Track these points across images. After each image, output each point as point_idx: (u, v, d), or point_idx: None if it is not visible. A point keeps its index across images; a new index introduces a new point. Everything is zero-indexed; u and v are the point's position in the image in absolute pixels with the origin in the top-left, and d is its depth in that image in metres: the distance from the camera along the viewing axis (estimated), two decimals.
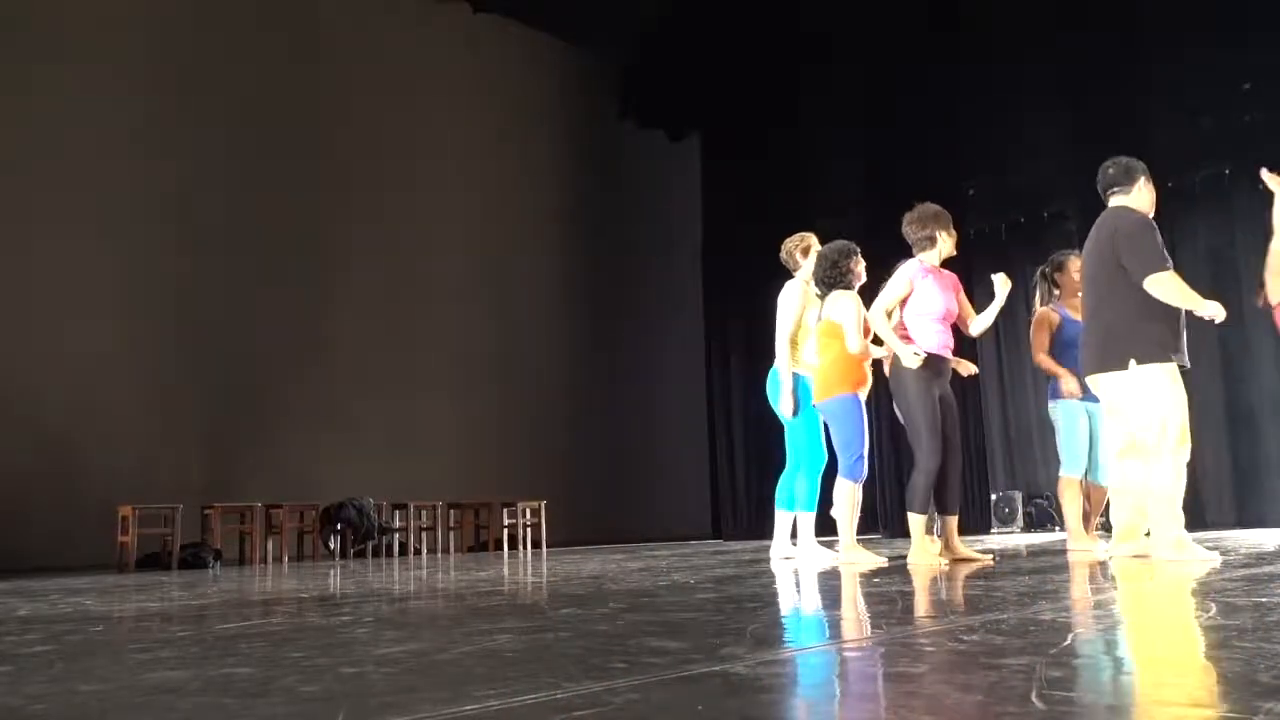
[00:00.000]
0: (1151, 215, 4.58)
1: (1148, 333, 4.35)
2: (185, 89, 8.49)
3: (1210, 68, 8.06)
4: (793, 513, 5.39)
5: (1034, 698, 1.47)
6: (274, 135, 8.99)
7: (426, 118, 10.15)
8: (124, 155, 8.10)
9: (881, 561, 4.71)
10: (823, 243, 5.42)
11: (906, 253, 5.66)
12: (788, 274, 5.65)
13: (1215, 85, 8.18)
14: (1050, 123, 8.90)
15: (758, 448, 10.70)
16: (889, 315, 4.85)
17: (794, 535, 5.42)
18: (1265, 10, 7.66)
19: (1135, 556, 4.63)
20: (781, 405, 5.27)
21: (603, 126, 11.56)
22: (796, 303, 5.36)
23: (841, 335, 4.92)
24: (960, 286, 5.03)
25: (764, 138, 10.67)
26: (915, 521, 4.75)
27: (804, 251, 5.56)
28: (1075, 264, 5.63)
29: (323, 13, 9.47)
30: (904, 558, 4.95)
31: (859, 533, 5.29)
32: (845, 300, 4.97)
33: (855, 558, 4.78)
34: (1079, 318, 5.52)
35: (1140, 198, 4.63)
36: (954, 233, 4.98)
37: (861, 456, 4.86)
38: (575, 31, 11.20)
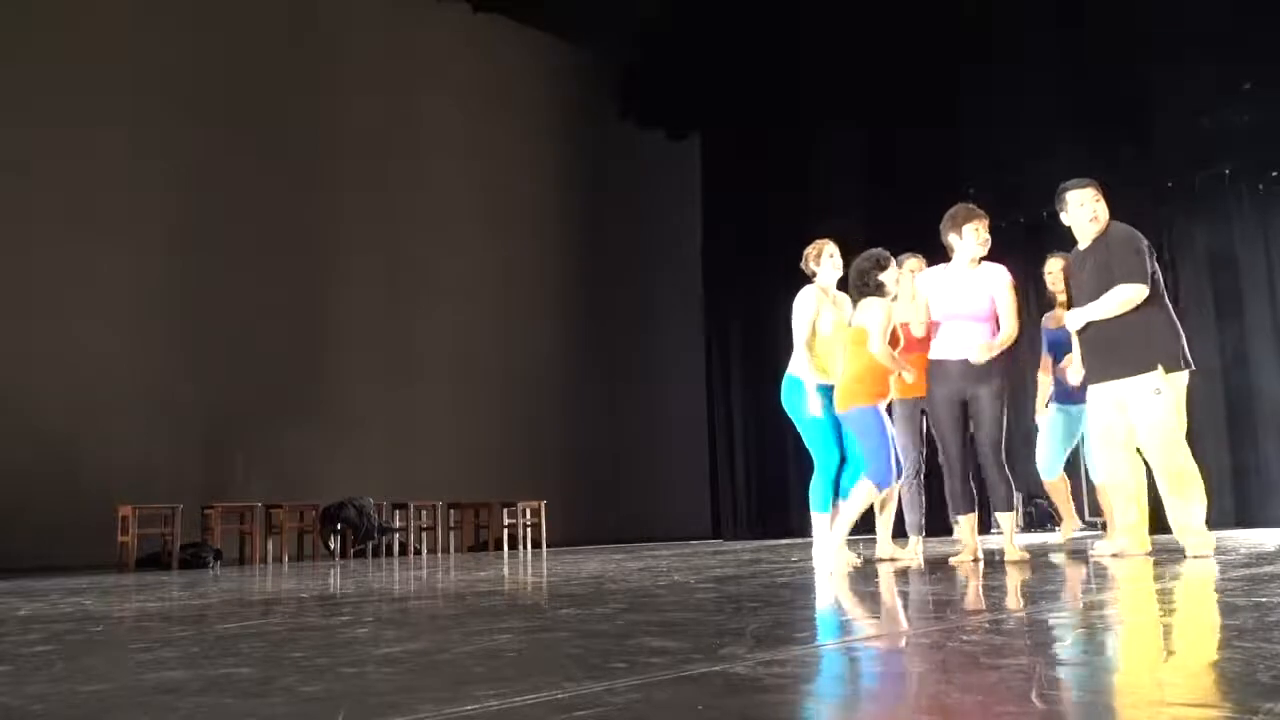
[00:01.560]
0: (1079, 240, 4.92)
1: None
2: (184, 89, 8.48)
3: (1210, 68, 8.05)
4: (825, 514, 5.37)
5: (1034, 698, 1.47)
6: (273, 135, 8.98)
7: (426, 118, 10.14)
8: (123, 155, 8.10)
9: (855, 562, 4.73)
10: (835, 243, 5.44)
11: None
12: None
13: (1215, 85, 8.17)
14: (1050, 123, 8.89)
15: (758, 448, 10.71)
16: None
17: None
18: (1265, 10, 7.65)
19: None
20: (810, 408, 5.26)
21: (603, 126, 11.55)
22: (810, 308, 5.35)
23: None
24: (1002, 280, 4.98)
25: (764, 138, 10.66)
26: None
27: (817, 257, 5.57)
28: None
29: (323, 12, 9.47)
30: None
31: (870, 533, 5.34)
32: (872, 305, 4.98)
33: (838, 557, 4.79)
34: (1052, 325, 5.63)
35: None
36: (968, 231, 4.96)
37: (888, 464, 4.88)
38: (575, 31, 11.19)
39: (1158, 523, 4.84)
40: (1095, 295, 4.68)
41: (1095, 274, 4.72)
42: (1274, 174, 8.22)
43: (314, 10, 9.42)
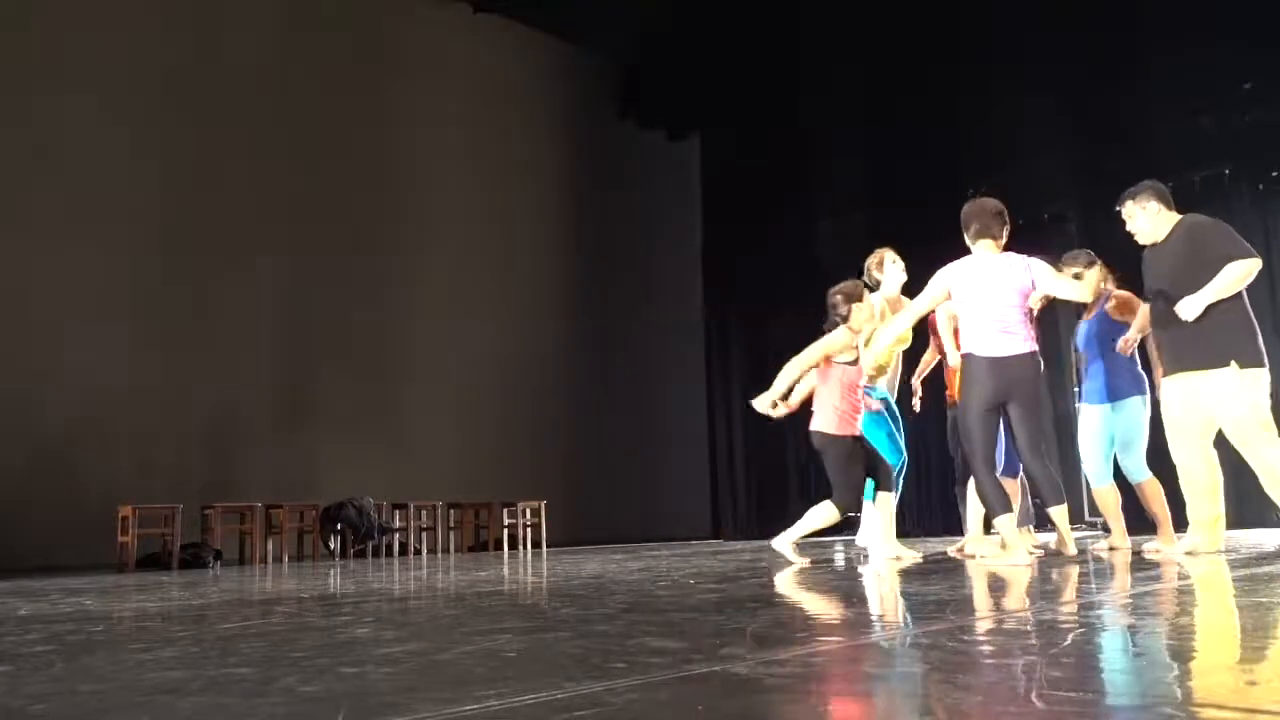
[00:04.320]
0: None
1: None
2: (184, 91, 8.48)
3: (1210, 68, 8.05)
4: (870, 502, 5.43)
5: (1034, 698, 1.47)
6: (272, 135, 8.98)
7: (426, 118, 10.14)
8: (123, 156, 8.09)
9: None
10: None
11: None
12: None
13: (1215, 85, 8.18)
14: (1050, 123, 8.89)
15: (758, 448, 10.71)
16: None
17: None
18: (1265, 10, 7.65)
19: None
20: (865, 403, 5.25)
21: (603, 126, 11.55)
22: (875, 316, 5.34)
23: None
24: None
25: (764, 138, 10.67)
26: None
27: (879, 265, 5.62)
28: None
29: (323, 13, 9.47)
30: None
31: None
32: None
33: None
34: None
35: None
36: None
37: (1006, 456, 4.95)
38: (575, 31, 11.20)
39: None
40: (1176, 290, 4.54)
41: (1173, 270, 4.59)
42: (1274, 174, 8.22)
43: (314, 10, 9.42)
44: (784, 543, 5.16)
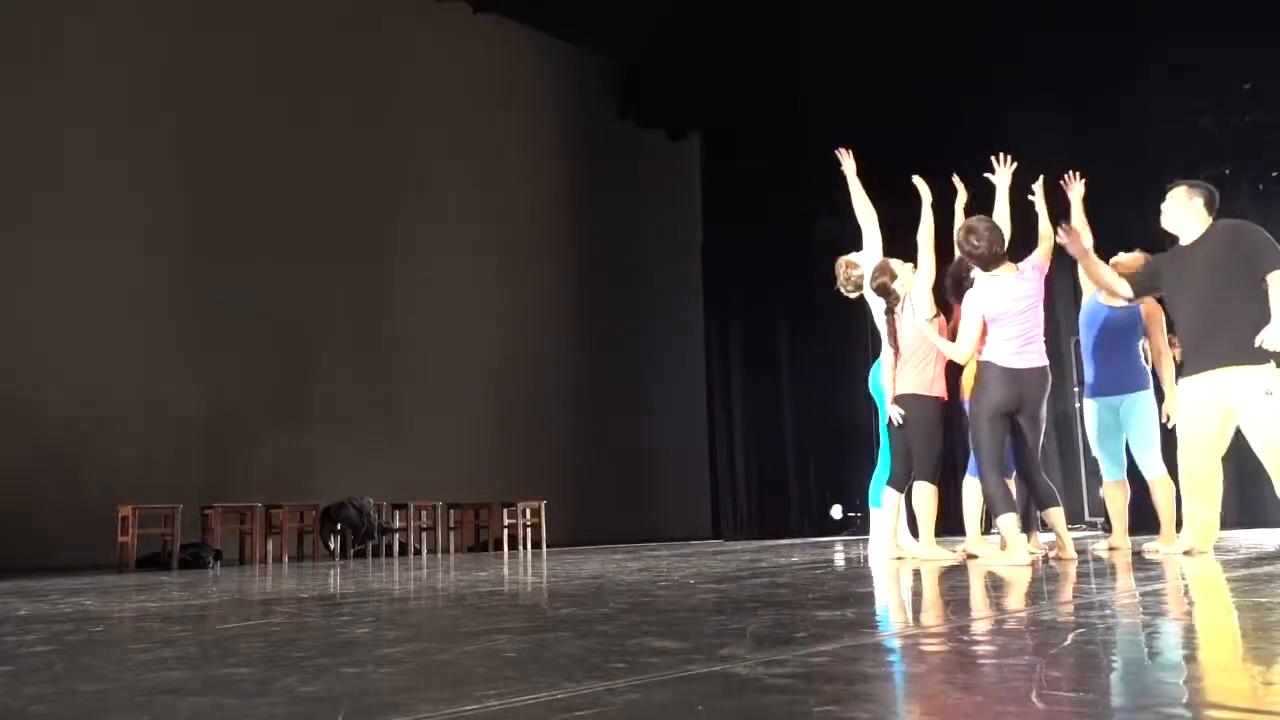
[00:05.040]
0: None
1: None
2: (184, 89, 8.48)
3: (1210, 68, 8.06)
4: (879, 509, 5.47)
5: (1034, 698, 1.47)
6: (272, 134, 8.98)
7: (426, 118, 10.14)
8: (123, 155, 8.10)
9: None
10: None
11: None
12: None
13: (1215, 85, 8.18)
14: (1050, 123, 8.89)
15: (758, 448, 10.70)
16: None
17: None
18: (1265, 10, 7.66)
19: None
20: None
21: (603, 126, 11.55)
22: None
23: None
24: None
25: (764, 138, 10.66)
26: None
27: (849, 265, 5.69)
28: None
29: (323, 13, 9.47)
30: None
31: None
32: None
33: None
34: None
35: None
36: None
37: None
38: (576, 31, 11.19)
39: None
40: (1216, 291, 4.42)
41: (1213, 271, 4.45)
42: (1274, 174, 8.23)
43: (314, 10, 9.42)
44: (906, 547, 5.24)
